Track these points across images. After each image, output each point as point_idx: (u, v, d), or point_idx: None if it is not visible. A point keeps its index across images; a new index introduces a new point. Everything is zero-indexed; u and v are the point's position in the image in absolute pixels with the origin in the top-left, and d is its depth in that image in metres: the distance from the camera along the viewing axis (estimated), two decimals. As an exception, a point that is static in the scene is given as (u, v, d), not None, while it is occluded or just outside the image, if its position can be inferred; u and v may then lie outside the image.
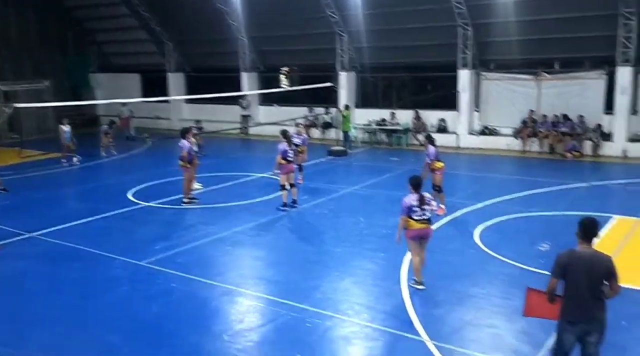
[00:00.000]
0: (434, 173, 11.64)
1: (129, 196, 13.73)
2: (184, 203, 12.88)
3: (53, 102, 20.68)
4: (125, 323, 7.23)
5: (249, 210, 12.46)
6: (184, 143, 12.71)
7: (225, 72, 25.17)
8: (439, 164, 11.65)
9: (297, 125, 15.86)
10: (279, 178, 12.49)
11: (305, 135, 15.39)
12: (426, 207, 7.74)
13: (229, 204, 12.90)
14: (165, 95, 25.68)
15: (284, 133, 12.53)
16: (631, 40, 16.67)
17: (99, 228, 11.33)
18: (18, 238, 10.65)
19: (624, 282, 5.91)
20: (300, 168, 14.67)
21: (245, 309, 7.64)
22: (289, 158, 12.25)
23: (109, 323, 7.18)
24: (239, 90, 23.89)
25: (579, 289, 5.08)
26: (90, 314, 7.49)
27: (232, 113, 24.62)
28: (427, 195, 7.87)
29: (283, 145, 12.18)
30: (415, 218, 7.70)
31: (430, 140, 11.86)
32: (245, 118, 24.73)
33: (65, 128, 18.15)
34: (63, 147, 18.25)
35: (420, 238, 7.86)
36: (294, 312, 7.36)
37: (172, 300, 7.91)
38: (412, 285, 8.02)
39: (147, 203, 13.06)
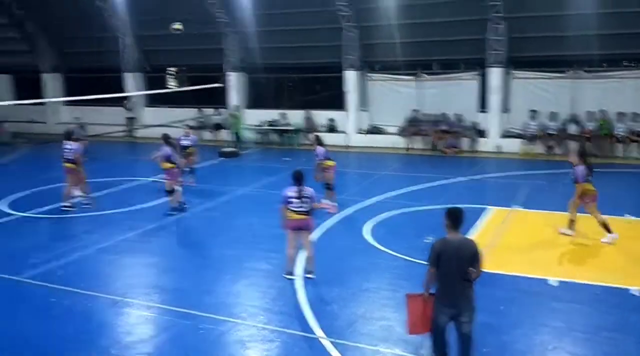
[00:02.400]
0: (325, 171, 11.89)
1: (4, 206, 12.65)
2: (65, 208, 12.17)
3: None
4: (4, 343, 6.62)
5: (136, 216, 11.94)
6: (74, 145, 12.18)
7: (108, 72, 23.93)
8: (329, 163, 11.92)
9: (185, 126, 15.45)
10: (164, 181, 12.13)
11: (194, 136, 15.04)
12: (305, 199, 8.00)
13: (115, 211, 12.29)
14: (40, 97, 23.86)
15: (166, 138, 12.12)
16: (501, 43, 18.01)
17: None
18: None
19: (502, 269, 6.41)
20: (192, 171, 14.34)
21: (135, 320, 7.32)
22: (175, 162, 11.95)
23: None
24: (123, 91, 22.82)
25: (450, 273, 5.47)
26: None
27: (116, 115, 23.52)
28: (308, 189, 8.10)
29: (166, 149, 11.85)
30: (293, 209, 8.01)
31: (318, 141, 12.11)
32: (131, 120, 23.71)
33: None
34: None
35: (298, 229, 8.13)
36: (187, 320, 7.17)
37: (52, 316, 7.39)
38: (285, 275, 8.28)
39: (23, 214, 12.10)
